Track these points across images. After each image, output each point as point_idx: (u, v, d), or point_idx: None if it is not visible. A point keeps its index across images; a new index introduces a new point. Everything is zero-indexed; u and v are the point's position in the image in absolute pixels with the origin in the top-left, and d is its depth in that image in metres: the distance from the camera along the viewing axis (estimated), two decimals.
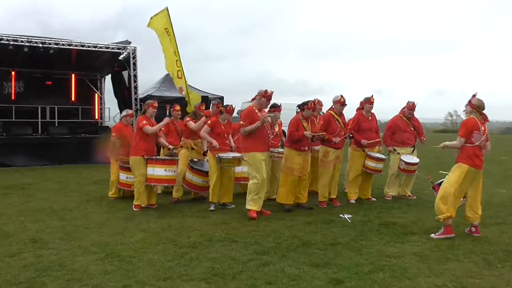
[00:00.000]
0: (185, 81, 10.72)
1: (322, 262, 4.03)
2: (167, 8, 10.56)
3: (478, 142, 4.85)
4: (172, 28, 10.46)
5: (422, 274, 3.77)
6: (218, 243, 4.65)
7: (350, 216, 5.86)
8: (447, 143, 5.05)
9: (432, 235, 4.96)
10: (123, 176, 6.90)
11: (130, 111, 7.43)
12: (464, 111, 5.12)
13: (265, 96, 5.88)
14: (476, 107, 4.91)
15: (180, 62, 10.58)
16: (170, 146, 6.79)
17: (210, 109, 7.59)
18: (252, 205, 5.76)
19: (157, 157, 6.48)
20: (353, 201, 6.95)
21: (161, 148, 7.07)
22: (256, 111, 5.88)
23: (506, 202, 7.01)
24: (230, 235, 4.95)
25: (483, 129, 4.88)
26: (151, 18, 10.36)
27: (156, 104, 6.62)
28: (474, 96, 4.99)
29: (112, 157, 7.17)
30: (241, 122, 5.86)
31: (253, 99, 6.02)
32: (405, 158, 7.09)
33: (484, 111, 4.95)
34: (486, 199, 7.20)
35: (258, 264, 3.98)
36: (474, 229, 5.06)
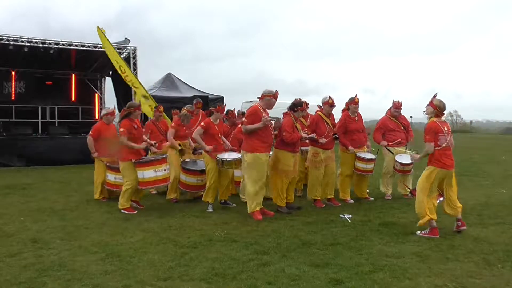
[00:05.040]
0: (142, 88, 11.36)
1: (322, 262, 4.03)
2: (98, 27, 11.21)
3: (445, 144, 4.92)
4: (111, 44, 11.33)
5: (422, 274, 3.77)
6: (218, 243, 4.65)
7: (350, 216, 5.86)
8: (420, 155, 5.10)
9: (418, 232, 5.01)
10: (111, 177, 6.85)
11: (110, 109, 7.33)
12: (424, 111, 5.17)
13: (276, 97, 5.87)
14: (437, 107, 4.99)
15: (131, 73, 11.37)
16: (152, 142, 6.57)
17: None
18: (256, 207, 5.72)
19: (144, 158, 6.25)
20: (351, 201, 6.94)
21: (149, 151, 6.99)
22: (261, 111, 5.83)
23: (506, 202, 7.01)
24: (230, 235, 4.95)
25: (446, 129, 4.97)
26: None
27: (141, 107, 6.51)
28: (435, 96, 5.06)
29: (97, 157, 7.09)
30: (244, 119, 5.88)
31: (260, 99, 5.90)
32: (400, 159, 7.05)
33: (444, 112, 5.03)
34: (486, 199, 7.22)
35: (258, 264, 3.99)
36: (460, 223, 5.12)
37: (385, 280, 3.63)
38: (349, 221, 5.65)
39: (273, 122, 5.88)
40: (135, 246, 4.55)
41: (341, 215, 5.89)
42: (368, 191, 7.32)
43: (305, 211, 6.24)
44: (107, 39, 11.27)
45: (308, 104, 7.10)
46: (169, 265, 3.97)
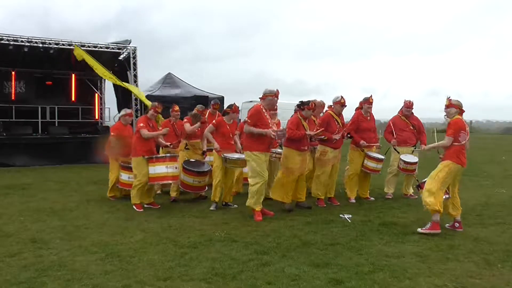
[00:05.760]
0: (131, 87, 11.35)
1: (322, 262, 4.03)
2: (75, 45, 11.25)
3: (464, 141, 5.03)
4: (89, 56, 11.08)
5: (422, 274, 3.77)
6: (218, 243, 4.65)
7: (350, 216, 5.86)
8: (433, 144, 5.21)
9: (419, 229, 5.04)
10: (124, 176, 6.88)
11: (128, 111, 7.40)
12: (446, 115, 5.23)
13: (277, 96, 5.85)
14: (459, 106, 5.11)
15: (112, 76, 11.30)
16: (168, 143, 6.83)
17: (209, 110, 7.59)
18: (257, 207, 5.72)
19: (157, 155, 6.46)
20: (353, 200, 6.97)
21: (160, 147, 7.06)
22: (264, 111, 5.80)
23: (506, 202, 7.01)
24: (230, 235, 4.95)
25: (467, 129, 5.09)
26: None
27: (158, 110, 6.63)
28: (450, 98, 5.15)
29: (111, 156, 7.14)
30: (247, 119, 5.82)
31: (261, 99, 5.87)
32: (405, 158, 7.12)
33: (464, 109, 5.15)
34: (486, 199, 7.22)
35: (258, 264, 3.98)
36: (458, 225, 5.21)
37: (385, 280, 3.63)
38: (349, 221, 5.65)
39: (276, 135, 5.73)
40: (135, 246, 4.54)
41: (341, 215, 5.89)
42: (368, 190, 7.31)
43: (305, 211, 6.24)
44: (89, 55, 11.29)
45: (323, 105, 7.19)
46: (169, 265, 3.96)
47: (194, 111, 7.14)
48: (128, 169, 6.74)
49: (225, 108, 6.89)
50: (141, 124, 6.36)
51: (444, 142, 5.06)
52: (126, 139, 6.79)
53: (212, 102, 7.83)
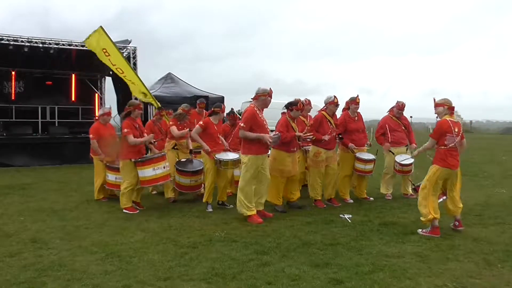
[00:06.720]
0: (143, 87, 10.52)
1: (322, 262, 4.03)
2: (101, 27, 10.06)
3: (452, 144, 4.94)
4: (113, 44, 10.01)
5: (422, 274, 3.77)
6: (218, 243, 4.65)
7: (350, 216, 5.86)
8: (419, 149, 5.19)
9: (419, 230, 5.06)
10: (111, 177, 6.81)
11: (107, 110, 7.31)
12: (437, 116, 5.19)
13: (271, 95, 5.75)
14: (445, 104, 5.04)
15: (131, 73, 10.30)
16: (153, 140, 6.59)
17: (196, 109, 7.54)
18: (250, 212, 5.62)
19: (143, 157, 6.23)
20: (351, 201, 6.95)
21: (149, 150, 6.97)
22: (258, 112, 5.70)
23: (506, 202, 7.01)
24: (230, 235, 4.95)
25: (456, 130, 4.97)
26: (88, 37, 9.88)
27: (141, 106, 6.52)
28: (434, 98, 5.12)
29: (96, 157, 7.07)
30: (242, 124, 5.65)
31: (254, 99, 5.76)
32: (399, 160, 7.07)
33: (453, 106, 5.07)
34: (486, 199, 7.22)
35: (258, 264, 3.99)
36: (458, 223, 5.17)
37: (385, 280, 3.63)
38: (349, 221, 5.65)
39: (271, 141, 5.65)
40: (135, 246, 4.55)
41: (341, 215, 5.89)
42: (365, 191, 7.28)
43: (305, 211, 6.24)
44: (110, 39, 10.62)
45: (310, 102, 7.13)
46: (169, 265, 3.97)
47: (179, 110, 7.04)
48: (114, 169, 6.68)
49: (212, 108, 6.73)
50: (126, 130, 6.14)
51: (426, 144, 5.10)
52: (107, 139, 6.69)
53: (198, 101, 7.77)
